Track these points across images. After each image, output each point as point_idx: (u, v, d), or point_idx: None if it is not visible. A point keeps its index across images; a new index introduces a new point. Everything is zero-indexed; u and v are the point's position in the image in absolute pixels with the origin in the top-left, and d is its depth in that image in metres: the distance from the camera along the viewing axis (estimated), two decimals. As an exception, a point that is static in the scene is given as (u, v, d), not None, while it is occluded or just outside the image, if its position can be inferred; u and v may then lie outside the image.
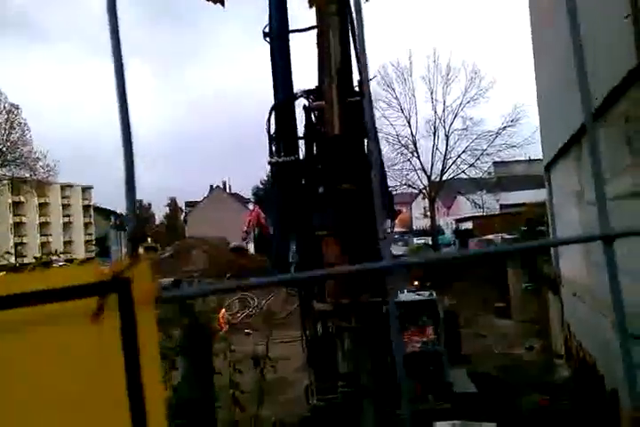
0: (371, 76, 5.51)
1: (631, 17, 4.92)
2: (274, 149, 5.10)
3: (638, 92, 5.10)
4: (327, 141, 4.70)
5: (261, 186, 67.58)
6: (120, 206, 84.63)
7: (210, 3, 4.78)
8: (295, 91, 5.12)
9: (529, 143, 33.15)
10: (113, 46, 0.58)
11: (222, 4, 4.57)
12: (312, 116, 5.16)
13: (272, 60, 5.13)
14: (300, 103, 5.16)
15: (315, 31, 4.91)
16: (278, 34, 5.04)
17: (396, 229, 40.37)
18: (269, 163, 5.14)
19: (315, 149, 5.12)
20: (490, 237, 29.63)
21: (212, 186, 70.92)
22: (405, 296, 9.29)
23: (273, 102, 5.10)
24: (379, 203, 0.68)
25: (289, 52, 5.10)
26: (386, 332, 4.78)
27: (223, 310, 17.35)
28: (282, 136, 5.10)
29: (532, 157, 37.66)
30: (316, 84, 5.02)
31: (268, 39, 5.12)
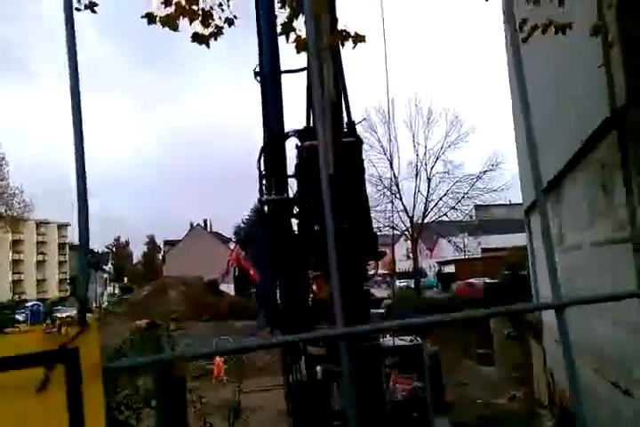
0: (359, 120, 5.46)
1: (604, 66, 4.99)
2: (264, 187, 5.06)
3: (613, 140, 5.12)
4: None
5: (243, 225, 67.40)
6: (96, 244, 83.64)
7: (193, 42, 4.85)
8: (286, 130, 5.12)
9: (509, 187, 33.68)
10: (71, 87, 0.60)
11: (207, 45, 4.60)
12: (303, 155, 5.11)
13: (263, 99, 5.13)
14: (289, 142, 5.16)
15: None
16: (269, 74, 5.05)
17: (380, 271, 40.16)
18: (259, 201, 5.08)
19: (303, 187, 5.05)
20: (472, 280, 29.59)
21: (192, 224, 70.58)
22: (389, 341, 9.03)
23: (262, 141, 5.09)
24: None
25: (280, 92, 5.11)
26: (378, 375, 4.68)
27: (218, 357, 16.74)
28: (273, 174, 5.06)
29: (512, 201, 38.13)
30: (305, 123, 5.03)
31: (258, 78, 5.13)
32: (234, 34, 5.10)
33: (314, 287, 4.80)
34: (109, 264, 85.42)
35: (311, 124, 5.03)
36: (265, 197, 4.99)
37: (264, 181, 5.04)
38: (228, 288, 34.79)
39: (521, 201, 12.62)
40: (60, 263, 71.76)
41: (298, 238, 4.77)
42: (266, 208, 5.06)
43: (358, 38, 4.47)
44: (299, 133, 5.01)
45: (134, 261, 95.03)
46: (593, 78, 5.28)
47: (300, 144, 4.99)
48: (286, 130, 5.09)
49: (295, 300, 4.87)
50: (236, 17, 5.24)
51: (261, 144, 5.07)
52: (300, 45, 4.28)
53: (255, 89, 5.17)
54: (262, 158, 5.02)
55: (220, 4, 5.34)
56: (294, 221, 4.96)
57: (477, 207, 41.02)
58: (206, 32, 4.72)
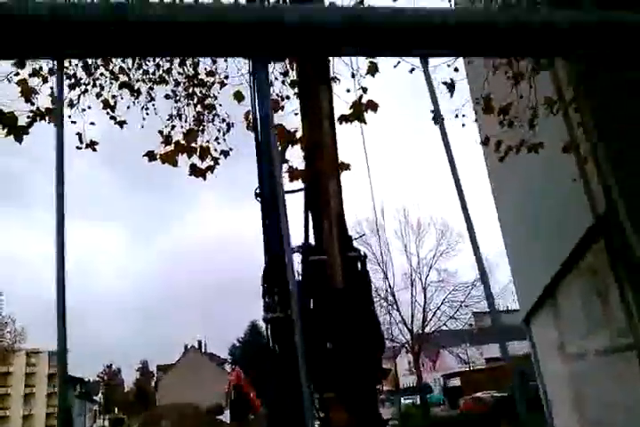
0: (357, 235, 5.58)
1: (581, 179, 5.26)
2: (267, 305, 5.04)
3: (601, 246, 5.26)
4: (332, 294, 4.61)
5: (238, 344, 65.34)
6: (87, 373, 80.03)
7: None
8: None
9: (504, 293, 33.46)
10: (57, 221, 0.59)
11: (204, 178, 4.86)
12: (310, 270, 5.14)
13: (263, 218, 5.31)
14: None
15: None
16: (269, 195, 5.26)
17: (384, 388, 38.53)
18: (264, 319, 5.02)
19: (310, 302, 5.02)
20: (479, 394, 28.28)
21: (186, 346, 68.34)
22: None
23: (264, 258, 5.16)
24: None
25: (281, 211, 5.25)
26: None
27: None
28: (276, 292, 5.08)
29: (510, 307, 37.66)
30: (303, 239, 5.15)
31: (259, 199, 5.35)
32: (228, 164, 5.42)
33: (325, 411, 4.55)
34: (100, 394, 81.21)
35: (309, 240, 5.16)
36: (270, 314, 4.94)
37: (267, 299, 5.04)
38: (225, 416, 32.79)
39: (518, 306, 12.50)
40: (50, 395, 68.10)
41: (307, 357, 4.62)
42: (266, 329, 5.00)
43: (343, 167, 4.76)
44: (303, 249, 5.11)
45: (126, 389, 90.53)
46: (574, 188, 5.54)
47: (305, 259, 5.03)
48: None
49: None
50: (231, 149, 5.61)
51: (263, 261, 5.15)
52: (295, 176, 4.54)
53: (249, 209, 5.38)
54: (266, 276, 5.07)
55: (217, 138, 5.75)
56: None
57: (476, 315, 40.39)
58: (203, 165, 5.01)
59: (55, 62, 0.60)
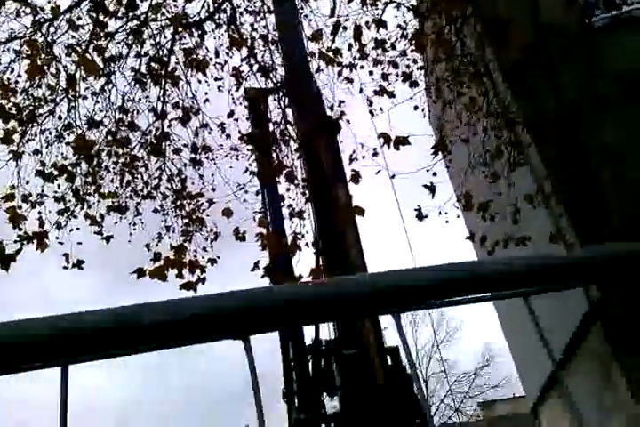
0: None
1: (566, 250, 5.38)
2: (295, 406, 4.88)
3: (599, 330, 5.30)
4: (378, 390, 4.43)
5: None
6: None
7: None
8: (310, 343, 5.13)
9: (510, 382, 32.44)
10: None
11: (195, 290, 4.88)
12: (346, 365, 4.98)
13: None
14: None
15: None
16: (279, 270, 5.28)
17: None
18: (296, 420, 4.79)
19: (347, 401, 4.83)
20: None
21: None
22: None
23: (282, 355, 5.07)
24: None
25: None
26: None
27: None
28: (304, 392, 4.93)
29: (516, 394, 36.32)
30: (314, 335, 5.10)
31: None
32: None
33: None
34: None
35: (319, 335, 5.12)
36: (299, 415, 4.76)
37: (295, 401, 4.88)
38: None
39: (524, 393, 12.14)
40: None
41: None
42: None
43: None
44: (333, 343, 5.02)
45: None
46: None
47: (343, 354, 4.91)
48: (312, 341, 5.12)
49: None
50: (219, 257, 5.70)
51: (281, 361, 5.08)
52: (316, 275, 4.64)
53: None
54: (292, 374, 4.96)
55: (205, 248, 5.86)
56: None
57: (481, 405, 38.76)
58: (193, 278, 5.05)
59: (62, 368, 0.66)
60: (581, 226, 5.15)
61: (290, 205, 5.96)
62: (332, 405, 5.03)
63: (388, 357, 4.70)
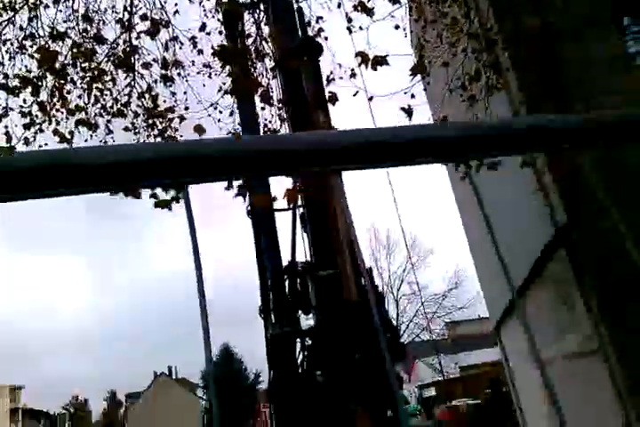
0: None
1: (540, 192, 5.50)
2: (271, 322, 5.04)
3: (562, 256, 5.48)
4: (351, 308, 4.61)
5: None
6: (51, 404, 76.99)
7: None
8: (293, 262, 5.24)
9: (475, 303, 34.07)
10: None
11: (170, 208, 4.85)
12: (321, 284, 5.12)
13: (255, 236, 5.31)
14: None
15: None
16: (261, 212, 5.28)
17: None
18: (272, 335, 4.97)
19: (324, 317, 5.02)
20: (454, 403, 28.49)
21: (155, 373, 66.70)
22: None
23: (258, 277, 5.19)
24: None
25: (275, 227, 5.29)
26: None
27: None
28: (283, 308, 5.08)
29: (481, 315, 38.24)
30: (290, 255, 5.19)
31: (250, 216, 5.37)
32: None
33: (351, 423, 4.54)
34: (66, 426, 78.34)
35: (296, 257, 5.23)
36: (277, 330, 4.93)
37: (271, 317, 5.04)
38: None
39: (488, 315, 12.77)
40: (12, 431, 65.20)
41: (333, 369, 4.63)
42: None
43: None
44: (309, 264, 5.15)
45: (94, 419, 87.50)
46: (534, 201, 5.78)
47: (317, 274, 5.04)
48: (288, 262, 5.25)
49: None
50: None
51: (257, 281, 5.19)
52: (291, 197, 4.61)
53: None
54: (269, 292, 5.09)
55: None
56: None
57: (448, 325, 40.85)
58: (168, 196, 4.97)
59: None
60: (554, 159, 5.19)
61: (265, 125, 5.80)
62: (307, 323, 5.23)
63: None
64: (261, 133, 5.85)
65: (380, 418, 4.39)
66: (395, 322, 35.71)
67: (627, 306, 4.51)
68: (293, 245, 5.31)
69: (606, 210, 0.87)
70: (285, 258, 5.36)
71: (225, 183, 4.74)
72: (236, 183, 4.71)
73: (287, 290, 5.19)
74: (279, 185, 5.10)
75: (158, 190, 4.98)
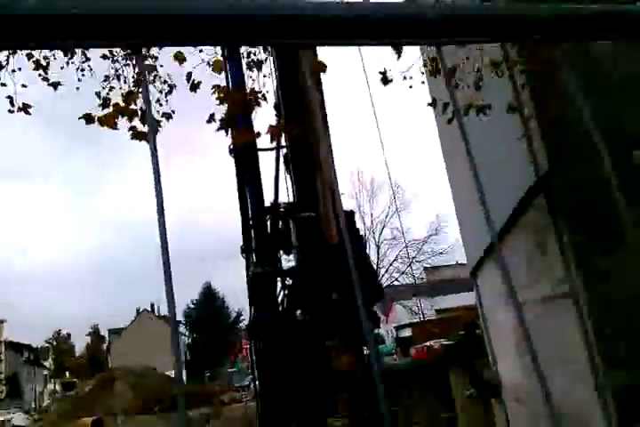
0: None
1: (524, 138, 5.49)
2: (252, 261, 5.10)
3: (541, 202, 5.55)
4: (331, 250, 4.67)
5: (192, 306, 65.40)
6: (34, 339, 78.29)
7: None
8: (274, 203, 5.24)
9: (454, 249, 34.74)
10: None
11: (147, 141, 4.74)
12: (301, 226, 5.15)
13: (238, 176, 5.27)
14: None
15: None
16: (244, 151, 5.21)
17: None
18: (254, 274, 5.03)
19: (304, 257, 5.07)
20: (430, 343, 29.48)
21: (138, 309, 67.90)
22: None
23: (241, 216, 5.19)
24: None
25: (258, 167, 5.24)
26: None
27: None
28: (264, 247, 5.11)
29: (459, 261, 39.14)
30: (273, 197, 5.19)
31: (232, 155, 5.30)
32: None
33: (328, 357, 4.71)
34: (50, 360, 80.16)
35: (279, 198, 5.24)
36: (259, 269, 4.99)
37: (252, 256, 5.09)
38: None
39: (466, 260, 13.04)
40: (-7, 362, 66.54)
41: (311, 309, 4.76)
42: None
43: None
44: (291, 206, 5.16)
45: (77, 354, 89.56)
46: (517, 148, 5.77)
47: (297, 215, 5.07)
48: (271, 203, 5.26)
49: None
50: (174, 111, 5.46)
51: (239, 219, 5.20)
52: (273, 132, 4.54)
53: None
54: (251, 232, 5.12)
55: (158, 100, 5.57)
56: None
57: (427, 269, 41.77)
58: (145, 128, 4.86)
59: None
60: (539, 99, 5.14)
61: (248, 55, 5.56)
62: (287, 264, 5.29)
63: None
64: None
65: (357, 354, 4.56)
66: (375, 266, 36.42)
67: (599, 252, 4.62)
68: (276, 185, 5.30)
69: (593, 160, 0.87)
70: (268, 198, 5.35)
71: (206, 116, 4.65)
72: (217, 117, 4.62)
73: (269, 230, 5.22)
74: (263, 123, 5.02)
75: (137, 122, 4.89)
